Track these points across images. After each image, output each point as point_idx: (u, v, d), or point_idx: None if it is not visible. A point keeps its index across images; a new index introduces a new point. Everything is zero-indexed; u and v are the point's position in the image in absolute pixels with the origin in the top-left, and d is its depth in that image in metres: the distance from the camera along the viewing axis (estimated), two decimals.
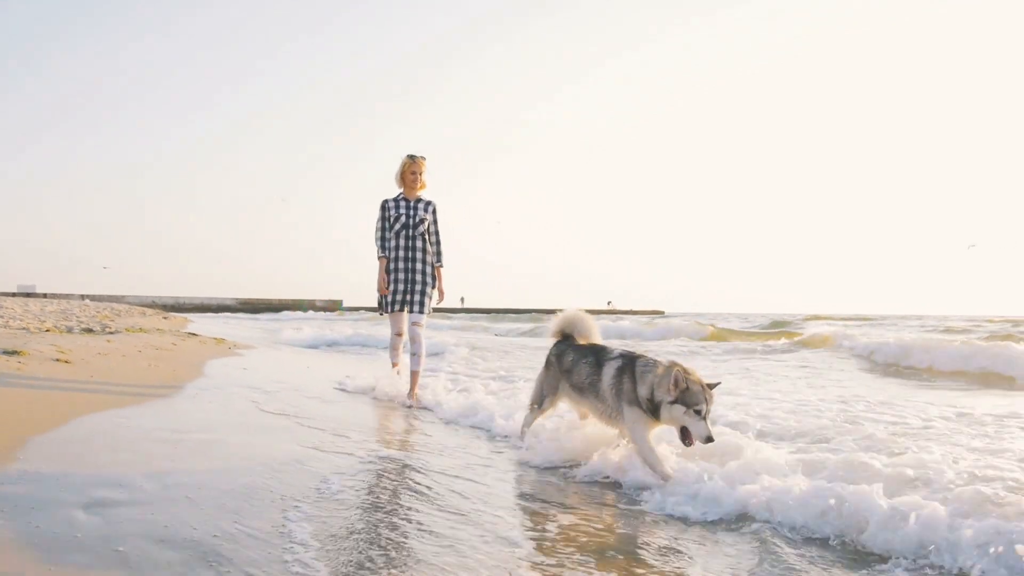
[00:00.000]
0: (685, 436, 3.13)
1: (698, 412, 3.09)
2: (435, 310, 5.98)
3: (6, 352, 5.55)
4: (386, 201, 5.94)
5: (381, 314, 6.05)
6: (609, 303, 75.32)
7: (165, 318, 22.69)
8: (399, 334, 5.91)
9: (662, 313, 68.08)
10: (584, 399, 3.67)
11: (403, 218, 5.83)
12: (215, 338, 11.45)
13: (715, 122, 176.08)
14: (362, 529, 2.39)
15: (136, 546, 2.04)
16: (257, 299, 75.20)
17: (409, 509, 2.67)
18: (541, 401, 3.98)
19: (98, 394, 4.57)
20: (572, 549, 2.35)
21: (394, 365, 6.04)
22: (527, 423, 4.02)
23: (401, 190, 5.98)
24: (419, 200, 5.91)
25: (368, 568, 2.04)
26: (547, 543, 2.40)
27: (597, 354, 3.65)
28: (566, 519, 2.71)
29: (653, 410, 3.20)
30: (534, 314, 45.20)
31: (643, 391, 3.24)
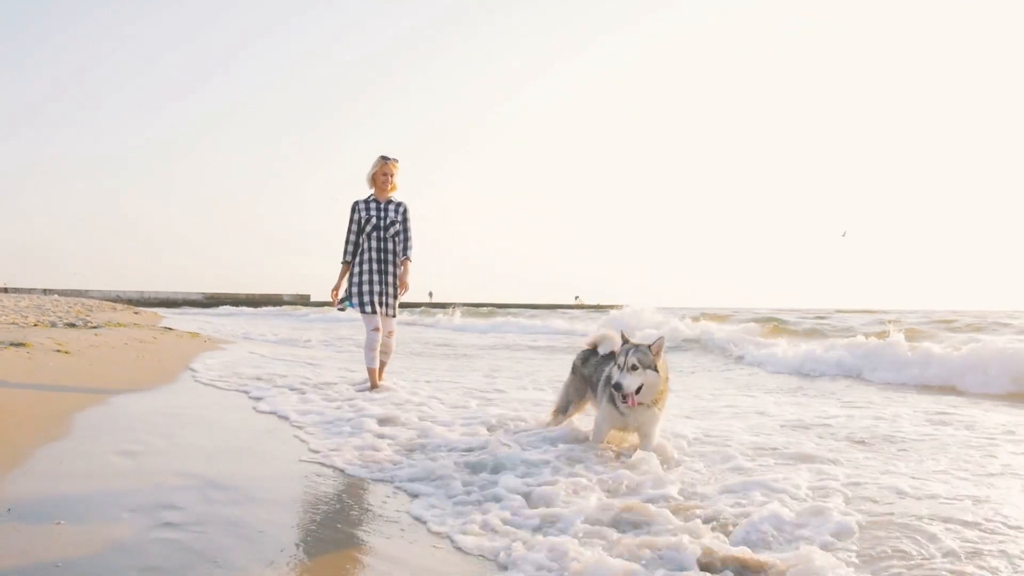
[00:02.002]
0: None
1: (619, 367, 3.26)
2: (401, 304, 6.08)
3: (13, 344, 6.38)
4: (357, 203, 5.93)
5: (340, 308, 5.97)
6: (577, 298, 76.84)
7: (136, 312, 23.25)
8: (376, 329, 5.84)
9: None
10: (595, 401, 3.80)
11: (374, 219, 5.83)
12: (190, 332, 12.26)
13: (680, 119, 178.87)
14: (317, 474, 3.35)
15: (162, 476, 2.99)
16: (223, 293, 74.97)
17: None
18: (566, 407, 4.04)
19: (106, 383, 5.46)
20: None
21: (370, 372, 5.92)
22: (547, 426, 4.04)
23: (372, 191, 5.96)
24: (390, 202, 5.90)
25: (320, 498, 3.01)
26: None
27: (608, 358, 3.72)
28: None
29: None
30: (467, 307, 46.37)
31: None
